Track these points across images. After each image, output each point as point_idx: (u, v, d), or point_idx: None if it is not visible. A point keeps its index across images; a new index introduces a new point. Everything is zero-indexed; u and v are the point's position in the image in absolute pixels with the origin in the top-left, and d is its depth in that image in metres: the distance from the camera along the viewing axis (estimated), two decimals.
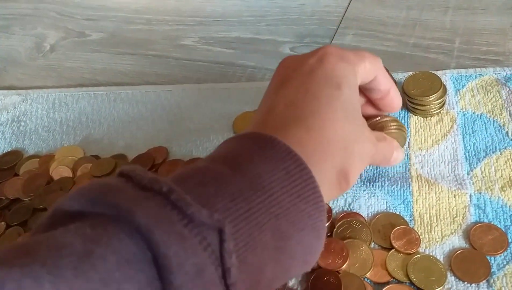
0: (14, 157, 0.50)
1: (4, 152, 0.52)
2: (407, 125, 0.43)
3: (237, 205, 0.22)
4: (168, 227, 0.19)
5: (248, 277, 0.21)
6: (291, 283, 0.35)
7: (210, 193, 0.22)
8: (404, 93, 0.43)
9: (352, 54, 0.31)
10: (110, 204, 0.19)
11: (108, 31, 0.68)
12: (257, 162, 0.24)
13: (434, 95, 0.42)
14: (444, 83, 0.44)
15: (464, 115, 0.43)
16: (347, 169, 0.27)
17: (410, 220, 0.36)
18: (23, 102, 0.58)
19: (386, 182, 0.39)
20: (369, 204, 0.38)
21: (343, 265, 0.34)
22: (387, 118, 0.38)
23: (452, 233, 0.35)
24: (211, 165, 0.24)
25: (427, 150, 0.41)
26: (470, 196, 0.37)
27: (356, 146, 0.28)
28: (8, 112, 0.57)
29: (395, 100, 0.35)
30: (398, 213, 0.37)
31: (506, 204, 0.36)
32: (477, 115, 0.43)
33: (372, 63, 0.32)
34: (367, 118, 0.36)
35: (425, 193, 0.38)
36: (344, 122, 0.27)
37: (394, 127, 0.37)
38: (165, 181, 0.21)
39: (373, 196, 0.39)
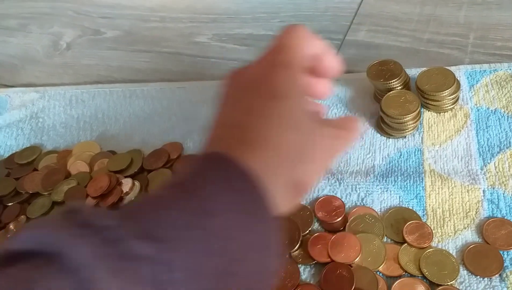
0: (33, 152, 0.52)
1: (23, 147, 0.53)
2: (420, 121, 0.43)
3: (180, 234, 0.21)
4: (103, 263, 0.19)
5: None
6: (304, 276, 0.35)
7: (151, 223, 0.21)
8: (417, 88, 0.43)
9: (289, 52, 0.28)
10: (47, 243, 0.19)
11: (124, 29, 0.69)
12: (205, 185, 0.23)
13: (448, 90, 0.42)
14: (458, 78, 0.44)
15: (478, 110, 0.43)
16: (301, 178, 0.26)
17: (423, 215, 0.37)
18: (41, 99, 0.59)
19: (399, 177, 0.39)
20: (382, 199, 0.38)
21: (355, 258, 0.35)
22: None
23: (465, 228, 0.35)
24: (161, 192, 0.23)
25: (440, 145, 0.41)
26: (484, 191, 0.37)
27: (308, 152, 0.27)
28: (26, 109, 0.58)
29: (331, 63, 0.31)
30: (411, 207, 0.37)
31: None
32: (491, 110, 0.42)
33: (307, 46, 0.29)
34: None
35: (438, 188, 0.38)
36: (291, 132, 0.26)
37: None
38: (104, 216, 0.21)
39: (386, 191, 0.39)
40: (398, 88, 0.44)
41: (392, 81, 0.43)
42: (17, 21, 0.78)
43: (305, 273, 0.35)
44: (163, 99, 0.54)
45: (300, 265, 0.36)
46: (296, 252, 0.36)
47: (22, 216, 0.44)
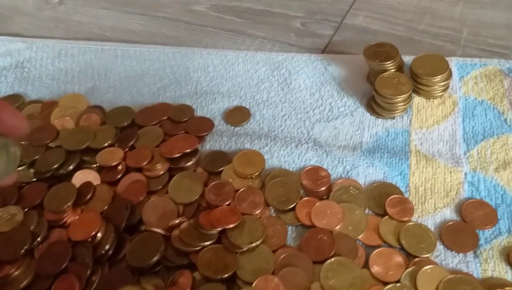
0: (15, 100, 0.50)
1: (5, 95, 0.52)
2: (410, 105, 0.44)
3: None
4: None
5: None
6: (288, 243, 0.35)
7: None
8: (411, 71, 0.44)
9: None
10: None
11: None
12: None
13: (440, 76, 0.43)
14: (450, 68, 0.45)
15: (466, 100, 0.44)
16: None
17: (406, 191, 0.38)
18: (28, 49, 0.57)
19: (385, 154, 0.40)
20: (367, 173, 0.39)
21: (337, 226, 0.35)
22: None
23: (444, 206, 0.36)
24: None
25: (427, 129, 0.42)
26: (465, 173, 0.38)
27: None
28: (12, 57, 0.57)
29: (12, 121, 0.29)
30: (394, 183, 0.38)
31: (499, 184, 0.37)
32: (478, 101, 0.44)
33: None
34: None
35: (422, 167, 0.39)
36: None
37: None
38: None
39: (372, 166, 0.39)
40: (392, 70, 0.44)
41: (387, 62, 0.44)
42: None
43: (293, 234, 0.36)
44: (156, 62, 0.54)
45: (288, 225, 0.36)
46: (288, 213, 0.37)
47: None
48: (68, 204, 0.37)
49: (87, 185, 0.39)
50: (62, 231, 0.37)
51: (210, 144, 0.43)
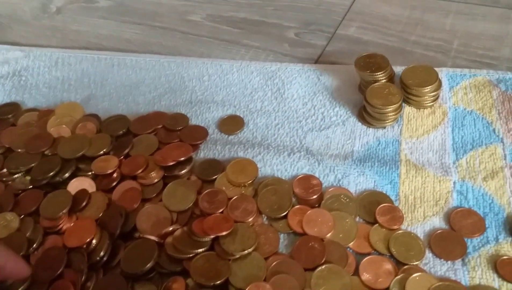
0: (13, 108, 0.51)
1: (3, 103, 0.52)
2: (401, 114, 0.45)
3: None
4: None
5: None
6: (280, 250, 0.36)
7: None
8: (401, 82, 0.45)
9: None
10: None
11: (117, 0, 0.69)
12: None
13: (429, 87, 0.43)
14: (440, 79, 0.46)
15: (456, 110, 0.45)
16: None
17: (396, 200, 0.38)
18: (25, 58, 0.58)
19: (376, 163, 0.41)
20: (357, 181, 0.40)
21: (328, 233, 0.36)
22: None
23: (433, 215, 0.37)
24: None
25: (417, 138, 0.43)
26: (454, 183, 0.39)
27: None
28: (9, 65, 0.57)
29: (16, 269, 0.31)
30: (384, 192, 0.39)
31: (487, 193, 0.38)
32: (467, 111, 0.45)
33: None
34: None
35: (412, 176, 0.40)
36: None
37: None
38: None
39: (362, 174, 0.40)
40: (383, 80, 0.45)
41: (378, 73, 0.45)
42: None
43: (285, 242, 0.36)
44: (151, 71, 0.54)
45: (280, 233, 0.37)
46: (280, 221, 0.37)
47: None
48: (64, 211, 0.38)
49: (83, 192, 0.40)
50: (57, 237, 0.37)
51: (204, 153, 0.44)
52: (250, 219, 0.37)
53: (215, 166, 0.42)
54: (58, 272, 0.34)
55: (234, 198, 0.38)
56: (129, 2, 0.68)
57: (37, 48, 0.60)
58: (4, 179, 0.43)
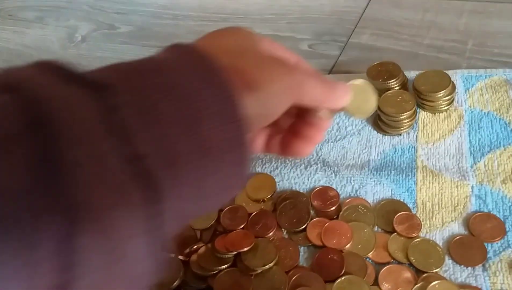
0: None
1: None
2: (416, 120, 0.45)
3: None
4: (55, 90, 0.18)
5: (154, 141, 0.19)
6: (300, 263, 0.37)
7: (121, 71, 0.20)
8: (414, 89, 0.45)
9: None
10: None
11: (137, 24, 0.72)
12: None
13: (442, 92, 0.44)
14: (455, 82, 0.46)
15: (472, 112, 0.45)
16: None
17: (413, 207, 0.39)
18: None
19: (392, 171, 0.41)
20: (374, 191, 0.40)
21: (347, 245, 0.37)
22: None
23: (452, 221, 0.37)
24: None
25: (433, 144, 0.43)
26: (472, 187, 0.39)
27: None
28: None
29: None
30: (402, 200, 0.39)
31: (506, 195, 0.38)
32: (484, 112, 0.44)
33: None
34: None
35: (429, 182, 0.40)
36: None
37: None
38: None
39: (379, 184, 0.41)
40: (396, 88, 0.46)
41: (391, 81, 0.45)
42: (35, 13, 0.80)
43: (305, 255, 0.37)
44: None
45: (300, 246, 0.38)
46: (300, 234, 0.38)
47: None
48: None
49: None
50: None
51: None
52: (270, 234, 0.38)
53: None
54: None
55: (254, 213, 0.40)
56: (148, 26, 0.71)
57: None
58: None
